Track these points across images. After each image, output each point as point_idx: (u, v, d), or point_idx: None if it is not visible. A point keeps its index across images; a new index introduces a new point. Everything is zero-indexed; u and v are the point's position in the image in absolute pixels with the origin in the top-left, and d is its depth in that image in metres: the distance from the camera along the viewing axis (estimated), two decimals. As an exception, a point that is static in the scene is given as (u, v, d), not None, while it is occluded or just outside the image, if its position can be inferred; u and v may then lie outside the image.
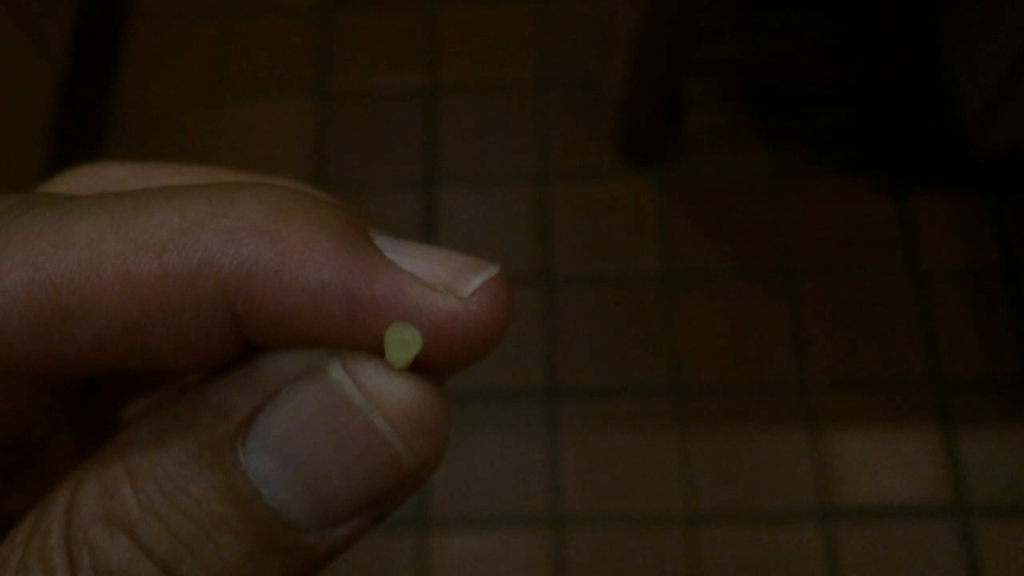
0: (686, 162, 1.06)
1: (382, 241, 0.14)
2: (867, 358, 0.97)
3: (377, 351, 0.14)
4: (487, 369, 0.96)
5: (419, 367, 0.14)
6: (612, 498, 0.93)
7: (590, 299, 1.01)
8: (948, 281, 1.00)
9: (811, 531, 0.90)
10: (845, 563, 0.89)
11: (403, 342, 0.13)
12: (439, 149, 1.08)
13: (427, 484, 0.95)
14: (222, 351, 0.14)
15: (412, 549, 0.91)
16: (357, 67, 1.13)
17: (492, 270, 0.14)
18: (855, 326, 0.99)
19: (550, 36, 1.14)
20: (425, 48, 1.14)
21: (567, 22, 1.14)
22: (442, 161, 1.08)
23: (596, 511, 0.92)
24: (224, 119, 1.11)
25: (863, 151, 1.06)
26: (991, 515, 0.90)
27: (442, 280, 0.14)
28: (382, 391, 0.14)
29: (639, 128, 1.04)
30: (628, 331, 1.00)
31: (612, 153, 1.07)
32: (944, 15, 1.03)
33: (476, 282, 0.14)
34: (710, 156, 1.07)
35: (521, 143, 1.08)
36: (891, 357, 0.97)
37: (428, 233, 1.03)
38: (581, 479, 0.93)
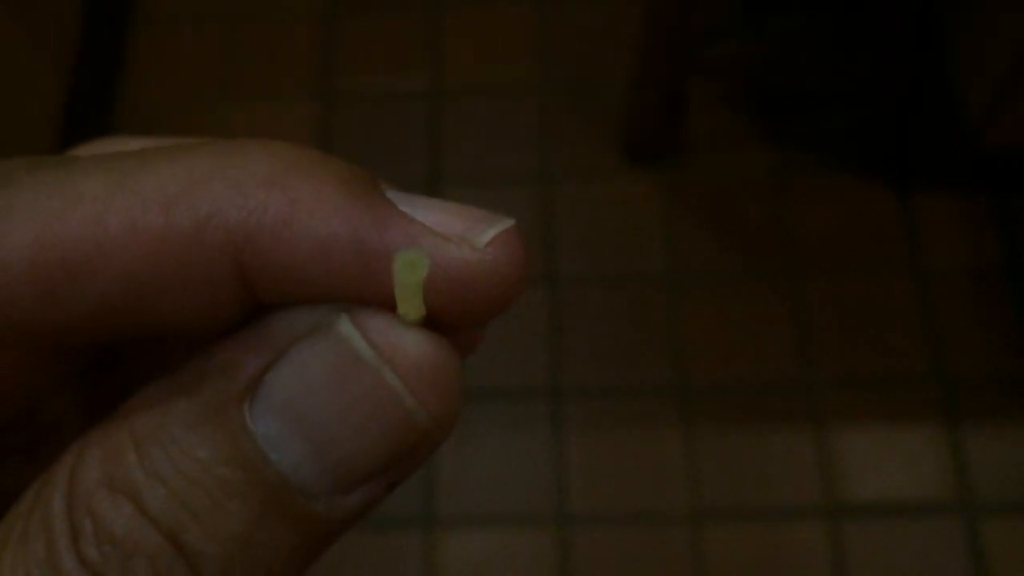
0: (689, 163, 1.06)
1: (394, 195, 0.14)
2: (871, 356, 0.97)
3: (389, 306, 0.13)
4: (492, 368, 0.96)
5: (433, 324, 0.13)
6: (617, 497, 0.93)
7: (594, 299, 1.01)
8: (952, 279, 1.00)
9: (816, 529, 0.90)
10: (851, 560, 0.89)
11: (409, 263, 0.13)
12: (442, 151, 1.09)
13: (433, 482, 0.95)
14: (231, 311, 0.14)
15: (418, 547, 0.91)
16: (359, 70, 1.14)
17: (506, 223, 0.14)
18: (859, 325, 0.99)
19: (552, 38, 1.14)
20: (427, 51, 1.14)
21: (569, 23, 1.15)
22: (445, 163, 1.08)
23: (601, 510, 0.92)
24: (227, 122, 1.11)
25: (867, 151, 1.06)
26: (996, 512, 0.90)
27: (456, 231, 0.14)
28: (393, 345, 0.13)
29: (642, 129, 1.04)
30: (632, 330, 1.00)
31: (615, 154, 1.07)
32: (946, 14, 1.03)
33: (491, 233, 0.14)
34: (713, 156, 1.07)
35: (524, 144, 1.08)
36: (895, 355, 0.97)
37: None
38: (586, 478, 0.93)
